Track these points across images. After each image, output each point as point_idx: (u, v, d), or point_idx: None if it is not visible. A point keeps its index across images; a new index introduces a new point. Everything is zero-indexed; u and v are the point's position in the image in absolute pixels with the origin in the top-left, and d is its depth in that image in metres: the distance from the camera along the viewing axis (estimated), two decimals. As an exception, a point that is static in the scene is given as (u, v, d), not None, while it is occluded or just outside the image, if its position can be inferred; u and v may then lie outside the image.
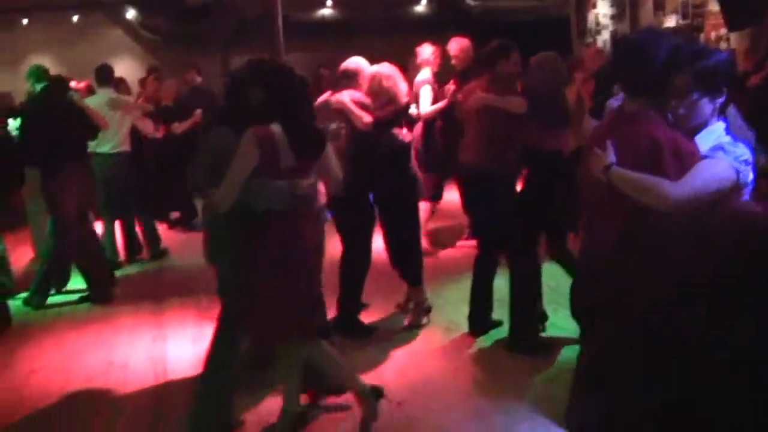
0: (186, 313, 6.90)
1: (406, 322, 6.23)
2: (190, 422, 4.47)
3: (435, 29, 17.08)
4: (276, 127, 4.06)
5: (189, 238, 10.01)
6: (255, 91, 4.15)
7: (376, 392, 4.65)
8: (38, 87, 7.47)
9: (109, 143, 8.49)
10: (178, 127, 9.84)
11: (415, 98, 7.56)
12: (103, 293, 7.41)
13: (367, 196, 5.98)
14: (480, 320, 5.93)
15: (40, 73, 7.55)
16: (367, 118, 5.71)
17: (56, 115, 7.17)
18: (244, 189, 4.02)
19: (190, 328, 6.48)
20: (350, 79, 5.99)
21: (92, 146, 8.19)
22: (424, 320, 6.22)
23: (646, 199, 3.04)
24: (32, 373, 5.75)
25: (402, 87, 6.03)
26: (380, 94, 5.87)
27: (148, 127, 9.43)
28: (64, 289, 7.67)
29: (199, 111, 9.77)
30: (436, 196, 8.17)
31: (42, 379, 5.64)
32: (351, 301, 6.10)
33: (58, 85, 7.53)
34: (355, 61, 6.12)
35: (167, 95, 10.40)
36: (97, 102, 8.40)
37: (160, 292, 7.67)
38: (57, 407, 5.18)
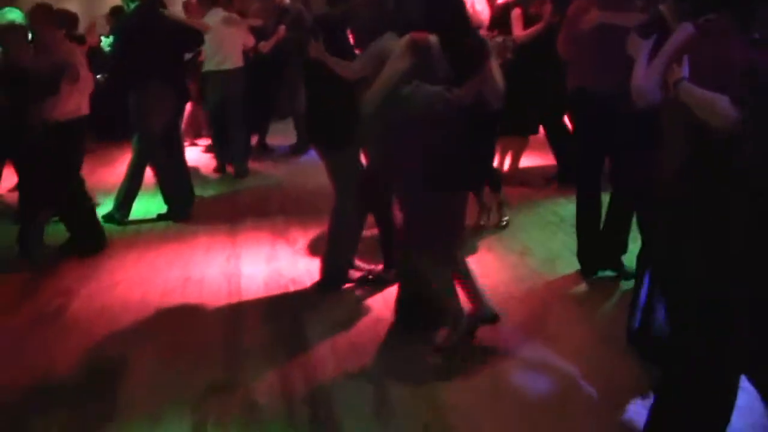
0: (260, 234, 7.01)
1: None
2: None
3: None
4: (433, 37, 4.16)
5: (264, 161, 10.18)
6: (415, 2, 4.35)
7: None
8: (132, 6, 7.51)
9: (229, 60, 8.72)
10: (264, 46, 9.83)
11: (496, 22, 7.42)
12: (182, 212, 7.54)
13: None
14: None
15: None
16: None
17: (146, 33, 7.17)
18: (398, 93, 4.17)
19: (263, 248, 6.60)
20: None
21: (213, 65, 8.33)
22: (505, 219, 6.68)
23: (709, 116, 2.92)
24: (114, 285, 5.93)
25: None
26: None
27: (249, 42, 9.48)
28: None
29: (282, 27, 9.70)
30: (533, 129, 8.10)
31: (123, 290, 5.81)
32: None
33: (151, 2, 7.56)
34: None
35: (255, 15, 10.30)
36: (213, 20, 8.55)
37: (235, 212, 7.81)
38: (135, 317, 5.35)
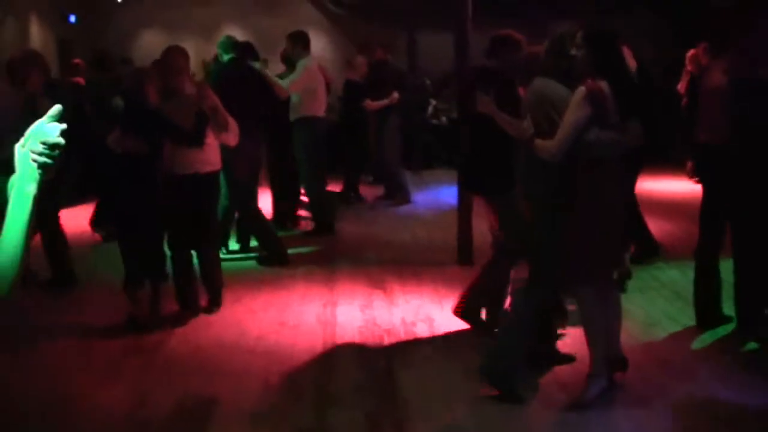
0: (356, 282, 6.99)
1: None
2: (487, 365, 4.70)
3: (625, 7, 16.52)
4: (604, 84, 4.33)
5: (356, 208, 10.26)
6: (583, 48, 4.52)
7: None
8: (226, 57, 7.75)
9: (322, 107, 8.87)
10: (371, 105, 9.99)
11: None
12: (279, 257, 7.58)
13: None
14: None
15: (229, 45, 7.85)
16: None
17: (237, 85, 7.35)
18: (581, 140, 4.35)
19: (359, 297, 6.57)
20: None
21: (309, 111, 8.49)
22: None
23: None
24: (209, 324, 5.97)
25: None
26: None
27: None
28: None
29: (396, 94, 9.98)
30: None
31: (218, 330, 5.85)
32: None
33: (244, 56, 7.77)
34: None
35: (357, 71, 10.50)
36: (305, 65, 8.68)
37: (333, 259, 7.81)
38: (229, 358, 5.35)
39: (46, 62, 6.86)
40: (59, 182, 6.35)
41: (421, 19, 14.06)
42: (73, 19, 17.11)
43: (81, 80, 9.73)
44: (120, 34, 17.47)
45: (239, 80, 7.45)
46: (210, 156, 6.07)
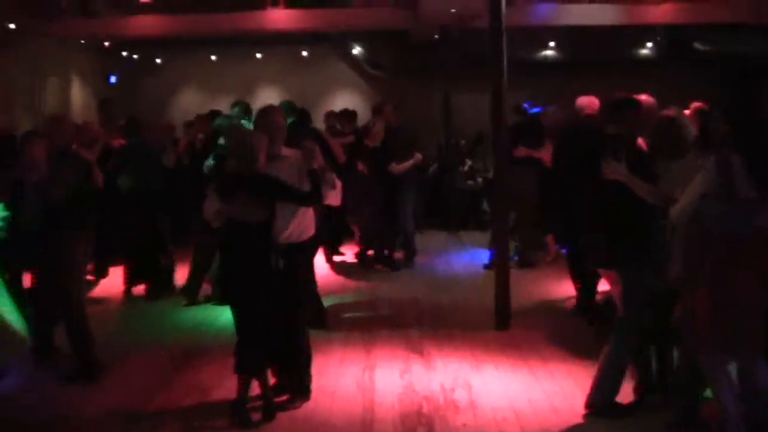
0: (396, 346, 6.96)
1: None
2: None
3: (660, 71, 16.60)
4: (737, 157, 4.38)
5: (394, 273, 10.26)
6: (720, 122, 4.65)
7: None
8: (289, 121, 7.87)
9: None
10: (396, 168, 10.03)
11: None
12: (318, 320, 7.48)
13: None
14: None
15: (290, 108, 8.02)
16: None
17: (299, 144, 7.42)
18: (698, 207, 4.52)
19: (398, 362, 6.52)
20: None
21: None
22: None
23: None
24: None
25: None
26: None
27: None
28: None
29: (419, 155, 10.03)
30: None
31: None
32: None
33: (305, 119, 7.92)
34: None
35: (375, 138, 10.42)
36: None
37: (371, 322, 7.80)
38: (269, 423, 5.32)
39: (60, 131, 6.61)
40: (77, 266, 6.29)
41: (456, 79, 14.17)
42: (113, 79, 17.46)
43: (120, 141, 9.90)
44: (158, 93, 17.77)
45: (304, 139, 7.48)
46: (309, 221, 5.82)
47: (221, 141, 8.02)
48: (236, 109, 8.76)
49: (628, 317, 5.22)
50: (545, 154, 8.70)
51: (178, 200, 8.89)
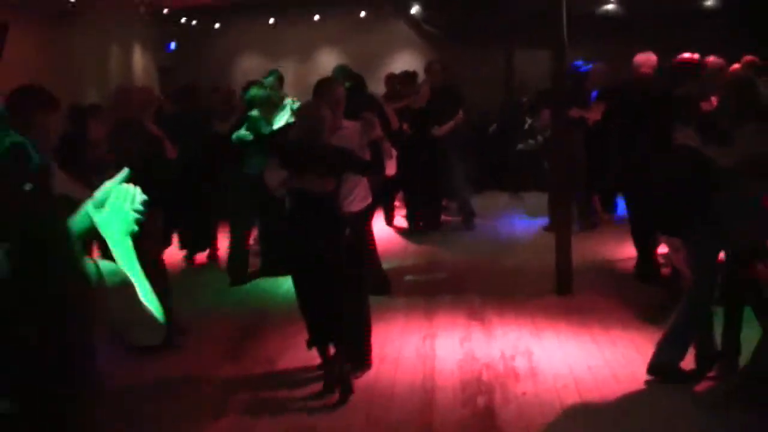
0: (456, 314, 6.98)
1: None
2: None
3: (727, 22, 16.14)
4: None
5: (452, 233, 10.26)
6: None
7: None
8: (347, 85, 7.88)
9: None
10: (439, 131, 9.93)
11: None
12: (382, 287, 7.51)
13: None
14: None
15: (345, 73, 8.00)
16: None
17: (360, 111, 7.44)
18: None
19: (458, 330, 6.56)
20: None
21: None
22: None
23: None
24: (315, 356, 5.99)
25: None
26: None
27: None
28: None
29: (461, 114, 9.85)
30: None
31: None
32: None
33: (360, 84, 7.91)
34: None
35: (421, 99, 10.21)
36: None
37: (432, 288, 7.84)
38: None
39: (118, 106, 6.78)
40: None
41: (517, 37, 13.99)
42: (172, 46, 17.63)
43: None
44: (218, 59, 17.89)
45: (361, 107, 7.51)
46: (366, 190, 5.94)
47: (254, 113, 7.92)
48: (270, 78, 8.69)
49: (697, 284, 5.16)
50: (593, 114, 8.61)
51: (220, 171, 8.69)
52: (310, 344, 5.40)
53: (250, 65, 17.57)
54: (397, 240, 10.08)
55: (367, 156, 5.54)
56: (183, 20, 17.52)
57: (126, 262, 2.12)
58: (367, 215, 6.29)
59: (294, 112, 7.10)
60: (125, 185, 2.23)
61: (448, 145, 10.10)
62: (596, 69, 9.82)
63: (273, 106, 7.85)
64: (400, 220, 10.91)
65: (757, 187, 4.92)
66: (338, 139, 5.49)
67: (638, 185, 7.03)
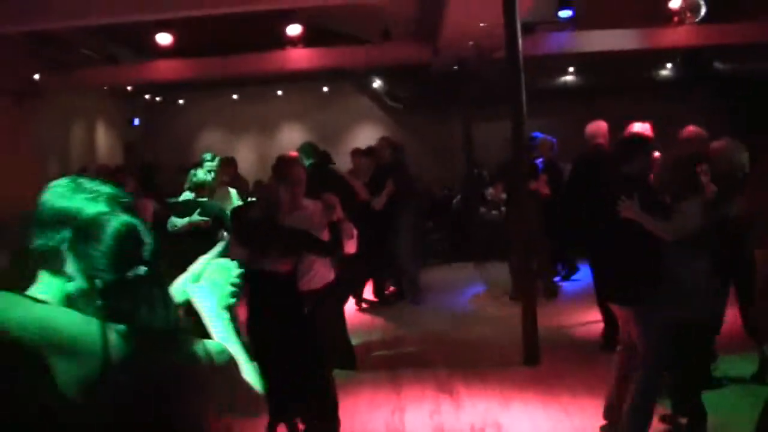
0: (425, 385, 6.94)
1: None
2: None
3: (681, 92, 16.58)
4: None
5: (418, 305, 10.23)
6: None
7: None
8: (307, 162, 7.97)
9: None
10: (376, 204, 9.91)
11: None
12: (347, 361, 7.49)
13: None
14: None
15: (310, 151, 8.11)
16: None
17: (321, 188, 7.49)
18: None
19: (428, 402, 6.51)
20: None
21: None
22: None
23: None
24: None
25: None
26: None
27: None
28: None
29: (390, 185, 9.72)
30: None
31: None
32: None
33: (325, 160, 8.01)
34: None
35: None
36: None
37: (399, 361, 7.80)
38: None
39: None
40: None
41: (476, 109, 14.23)
42: (136, 122, 17.71)
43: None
44: (181, 134, 17.98)
45: (322, 184, 7.55)
46: (327, 268, 5.89)
47: (188, 195, 7.65)
48: (213, 162, 8.43)
49: (648, 355, 5.21)
50: (541, 186, 8.85)
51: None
52: (271, 425, 5.34)
53: (213, 140, 17.69)
54: (361, 313, 10.05)
55: (326, 236, 5.55)
56: (147, 97, 17.63)
57: (224, 335, 2.16)
58: (342, 293, 6.27)
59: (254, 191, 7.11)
60: (222, 259, 2.30)
61: (394, 219, 10.11)
62: (542, 142, 10.05)
63: (208, 191, 7.70)
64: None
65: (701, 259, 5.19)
66: (298, 219, 5.48)
67: (591, 255, 7.20)
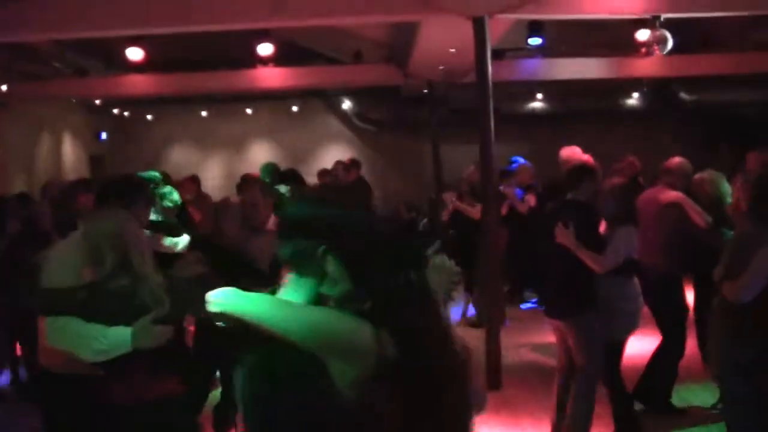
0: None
1: None
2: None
3: (647, 121, 16.81)
4: None
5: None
6: None
7: None
8: (267, 179, 8.02)
9: None
10: None
11: None
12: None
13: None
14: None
15: (268, 171, 8.13)
16: None
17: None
18: None
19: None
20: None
21: None
22: None
23: None
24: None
25: None
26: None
27: None
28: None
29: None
30: None
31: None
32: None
33: (275, 182, 8.03)
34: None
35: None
36: None
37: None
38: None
39: None
40: None
41: (445, 132, 14.31)
42: (104, 136, 17.59)
43: None
44: (149, 149, 17.88)
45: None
46: None
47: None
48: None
49: (586, 364, 5.42)
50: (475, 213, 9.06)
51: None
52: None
53: (181, 156, 17.64)
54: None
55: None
56: (116, 111, 17.52)
57: None
58: None
59: None
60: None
61: None
62: (521, 168, 10.15)
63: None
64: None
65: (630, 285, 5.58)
66: (258, 243, 5.35)
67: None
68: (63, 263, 3.58)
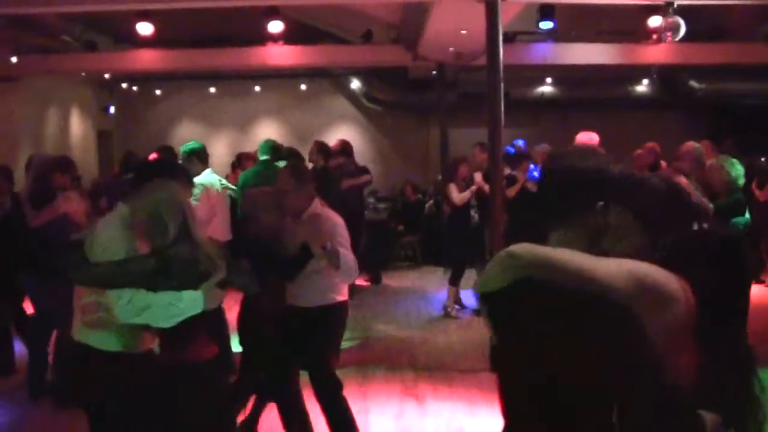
0: (390, 387, 6.98)
1: None
2: None
3: (656, 109, 16.76)
4: None
5: (386, 307, 10.24)
6: None
7: None
8: (262, 159, 8.03)
9: None
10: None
11: None
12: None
13: None
14: None
15: (266, 149, 8.15)
16: None
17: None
18: None
19: (392, 405, 6.55)
20: None
21: None
22: None
23: None
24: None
25: None
26: None
27: None
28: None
29: None
30: None
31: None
32: None
33: (275, 159, 8.07)
34: None
35: None
36: None
37: (366, 362, 7.80)
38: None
39: None
40: None
41: (453, 115, 14.27)
42: (111, 110, 17.57)
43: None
44: (157, 125, 17.88)
45: (265, 181, 7.55)
46: None
47: None
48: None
49: None
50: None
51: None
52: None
53: (188, 132, 17.59)
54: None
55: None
56: (124, 85, 17.51)
57: None
58: None
59: None
60: None
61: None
62: (540, 149, 10.10)
63: None
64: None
65: None
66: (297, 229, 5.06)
67: None
68: (112, 238, 3.61)
